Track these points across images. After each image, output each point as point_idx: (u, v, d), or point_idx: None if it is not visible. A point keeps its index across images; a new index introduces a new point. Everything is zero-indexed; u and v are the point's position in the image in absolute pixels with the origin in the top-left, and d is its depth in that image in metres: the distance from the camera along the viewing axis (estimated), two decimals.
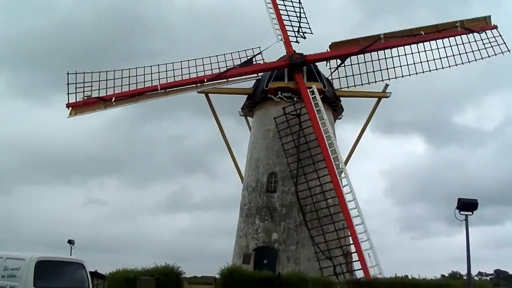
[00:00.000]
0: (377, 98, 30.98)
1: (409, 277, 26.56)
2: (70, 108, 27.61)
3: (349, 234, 25.54)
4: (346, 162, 31.14)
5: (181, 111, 67.33)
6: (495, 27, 30.60)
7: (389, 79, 30.05)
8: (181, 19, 74.35)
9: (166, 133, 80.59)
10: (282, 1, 31.31)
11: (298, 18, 30.74)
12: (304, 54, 29.47)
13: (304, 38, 30.43)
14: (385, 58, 29.76)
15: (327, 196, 26.71)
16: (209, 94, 30.77)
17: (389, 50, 29.81)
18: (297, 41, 30.17)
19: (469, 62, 30.17)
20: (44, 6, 74.51)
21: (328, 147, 26.77)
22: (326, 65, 29.99)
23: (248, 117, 33.08)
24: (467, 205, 18.43)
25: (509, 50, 30.16)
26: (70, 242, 31.24)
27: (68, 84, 27.39)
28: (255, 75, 29.66)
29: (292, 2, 31.45)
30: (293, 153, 27.58)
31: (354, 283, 25.72)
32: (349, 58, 29.61)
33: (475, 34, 30.17)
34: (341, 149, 30.96)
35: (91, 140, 75.53)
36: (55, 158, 73.32)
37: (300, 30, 30.40)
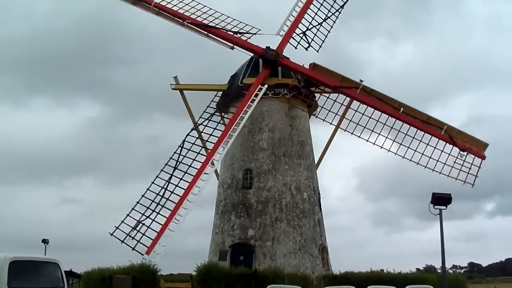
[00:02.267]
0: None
1: (385, 271, 26.89)
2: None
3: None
4: (320, 159, 31.30)
5: (157, 111, 67.90)
6: (483, 157, 26.77)
7: (338, 11, 30.07)
8: (159, 25, 74.20)
9: (142, 133, 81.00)
10: (316, 7, 30.21)
11: (316, 31, 29.57)
12: (280, 54, 28.95)
13: (306, 49, 29.32)
14: (356, 111, 27.91)
15: (303, 191, 26.87)
16: (184, 91, 30.65)
17: (360, 104, 27.72)
18: (295, 47, 29.31)
19: (426, 167, 26.89)
20: (23, 13, 74.93)
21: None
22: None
23: (223, 114, 32.96)
24: (441, 199, 18.69)
25: (472, 185, 26.55)
26: (44, 241, 30.81)
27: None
28: (231, 46, 29.27)
29: (328, 14, 30.22)
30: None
31: (330, 278, 25.98)
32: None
33: (454, 148, 26.61)
34: (315, 147, 31.31)
35: (68, 141, 75.72)
36: (31, 158, 73.41)
37: (309, 41, 29.33)
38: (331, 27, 30.05)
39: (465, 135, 27.05)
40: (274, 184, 28.26)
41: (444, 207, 18.78)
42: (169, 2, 29.60)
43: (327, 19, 30.00)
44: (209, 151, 25.69)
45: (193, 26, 29.39)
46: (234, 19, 29.36)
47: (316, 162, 30.99)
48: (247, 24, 29.28)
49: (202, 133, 26.71)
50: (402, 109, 27.02)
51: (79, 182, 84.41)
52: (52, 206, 77.76)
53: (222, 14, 29.45)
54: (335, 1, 30.18)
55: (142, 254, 23.27)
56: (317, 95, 30.81)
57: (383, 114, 27.18)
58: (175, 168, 25.28)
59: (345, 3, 30.24)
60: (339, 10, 30.17)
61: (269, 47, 29.06)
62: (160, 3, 29.52)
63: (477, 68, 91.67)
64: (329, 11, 29.97)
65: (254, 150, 28.98)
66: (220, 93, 30.29)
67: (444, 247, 18.76)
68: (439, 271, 29.32)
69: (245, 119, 26.51)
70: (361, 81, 27.96)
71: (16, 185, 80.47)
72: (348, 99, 28.33)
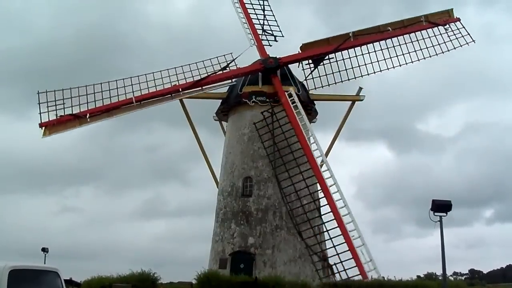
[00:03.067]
0: (350, 102, 31.06)
1: (385, 278, 26.80)
2: (43, 128, 26.22)
3: (340, 233, 25.35)
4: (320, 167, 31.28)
5: (157, 121, 68.35)
6: (458, 19, 31.53)
7: (361, 76, 30.34)
8: (157, 37, 76.70)
9: (142, 143, 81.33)
10: (251, 7, 31.84)
11: (267, 22, 31.36)
12: (277, 57, 29.61)
13: (276, 41, 30.91)
14: (356, 56, 29.99)
15: (307, 199, 26.90)
16: (184, 100, 30.60)
17: (359, 48, 30.05)
18: (269, 44, 30.62)
19: (436, 55, 30.87)
20: (24, 27, 76.70)
21: (310, 147, 27.16)
22: (298, 67, 30.12)
23: (222, 122, 33.03)
24: (441, 206, 18.73)
25: (473, 41, 31.08)
26: (44, 250, 30.85)
27: (39, 103, 26.10)
28: (230, 81, 29.52)
29: (261, 7, 32.00)
30: (276, 156, 27.65)
31: (331, 285, 25.88)
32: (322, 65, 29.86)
33: (439, 27, 30.94)
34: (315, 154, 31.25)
35: (68, 151, 75.77)
36: (32, 168, 73.92)
37: (272, 33, 30.99)
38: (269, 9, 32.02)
39: (433, 14, 31.45)
40: (274, 192, 28.21)
41: (445, 214, 18.82)
42: (144, 88, 27.87)
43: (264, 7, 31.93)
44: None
45: (186, 91, 28.44)
46: (202, 61, 29.22)
47: (326, 166, 30.91)
48: (217, 56, 29.38)
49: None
50: (390, 28, 30.23)
51: (79, 191, 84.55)
52: (52, 215, 78.10)
53: (195, 63, 29.07)
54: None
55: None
56: (316, 102, 31.04)
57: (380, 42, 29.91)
58: None
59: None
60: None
61: (269, 56, 29.49)
62: (139, 96, 27.60)
63: (473, 76, 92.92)
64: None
65: (254, 157, 28.96)
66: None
67: (445, 254, 18.75)
68: (440, 278, 29.26)
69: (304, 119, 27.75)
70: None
71: (16, 194, 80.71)
72: (349, 103, 30.43)
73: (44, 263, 24.26)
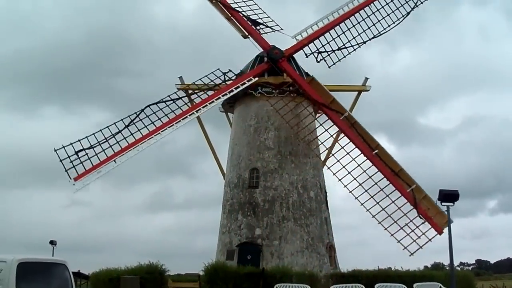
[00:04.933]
0: (357, 92, 30.98)
1: (392, 269, 26.83)
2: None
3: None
4: (326, 159, 31.21)
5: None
6: (440, 232, 25.31)
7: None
8: (164, 37, 78.18)
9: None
10: (342, 30, 30.16)
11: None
12: (285, 55, 28.90)
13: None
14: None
15: (310, 190, 26.91)
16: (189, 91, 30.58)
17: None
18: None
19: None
20: (33, 29, 77.75)
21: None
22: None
23: (228, 114, 33.03)
24: (448, 196, 18.60)
25: (411, 254, 25.29)
26: (52, 243, 30.86)
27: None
28: (246, 34, 29.62)
29: (348, 39, 30.17)
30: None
31: (338, 276, 25.95)
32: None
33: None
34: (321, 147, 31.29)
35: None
36: (42, 164, 74.68)
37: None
38: (348, 53, 29.81)
39: (431, 203, 25.44)
40: (281, 183, 28.24)
41: (452, 204, 18.71)
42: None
43: (344, 48, 29.66)
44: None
45: (220, 5, 29.73)
46: (264, 12, 30.02)
47: (322, 161, 30.92)
48: (272, 20, 29.81)
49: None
50: (377, 151, 26.81)
51: (87, 186, 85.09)
52: (61, 209, 78.94)
53: (255, 4, 30.07)
54: (359, 34, 29.78)
55: (70, 179, 23.87)
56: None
57: (359, 153, 26.80)
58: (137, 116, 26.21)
59: (368, 39, 30.04)
60: (360, 44, 29.88)
61: (274, 46, 29.15)
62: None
63: (471, 71, 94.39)
64: (349, 41, 29.65)
65: (260, 149, 28.96)
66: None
67: (452, 243, 18.67)
68: (447, 268, 29.23)
69: (215, 102, 27.21)
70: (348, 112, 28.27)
71: (26, 190, 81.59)
72: (353, 94, 29.99)
73: (52, 256, 24.37)
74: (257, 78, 28.25)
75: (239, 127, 30.33)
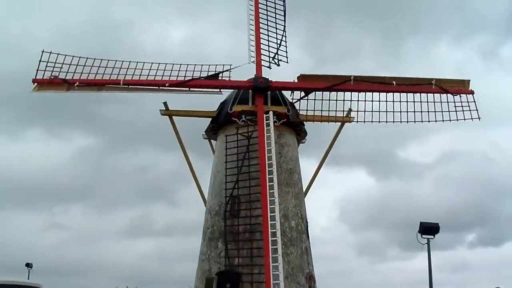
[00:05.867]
0: (340, 123, 31.22)
1: None
2: (35, 84, 28.97)
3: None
4: (307, 190, 31.37)
5: (147, 142, 69.59)
6: (472, 92, 30.35)
7: (354, 119, 30.49)
8: (153, 66, 78.73)
9: (132, 163, 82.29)
10: (265, 24, 31.47)
11: (278, 44, 30.97)
12: (269, 79, 29.59)
13: (278, 65, 30.67)
14: (351, 100, 30.00)
15: (291, 220, 26.83)
16: (174, 118, 30.79)
17: (357, 93, 29.84)
18: (269, 67, 30.48)
19: (435, 121, 30.49)
20: (20, 51, 78.10)
21: (267, 168, 26.80)
22: (291, 95, 30.36)
23: (212, 141, 33.05)
24: (429, 229, 18.80)
25: (479, 118, 30.01)
26: (28, 265, 30.46)
27: (40, 61, 28.87)
28: (218, 90, 29.90)
29: (276, 26, 31.59)
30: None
31: None
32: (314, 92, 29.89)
33: (449, 95, 30.10)
34: (304, 175, 31.46)
35: (59, 169, 76.48)
36: (22, 186, 74.72)
37: (276, 57, 30.68)
38: (284, 35, 31.38)
39: (449, 80, 30.29)
40: (257, 212, 28.12)
41: (432, 237, 18.87)
42: (136, 74, 29.54)
43: (279, 32, 31.28)
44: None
45: (173, 88, 29.53)
46: (203, 65, 29.99)
47: (304, 191, 30.97)
48: (217, 65, 29.86)
49: None
50: (394, 82, 29.46)
51: (68, 209, 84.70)
52: (40, 231, 77.82)
53: (186, 65, 29.92)
54: (276, 13, 31.32)
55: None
56: (305, 123, 31.20)
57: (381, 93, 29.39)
58: None
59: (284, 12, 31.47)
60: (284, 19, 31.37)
61: (256, 75, 29.51)
62: (127, 80, 29.34)
63: (451, 108, 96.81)
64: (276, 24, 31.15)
65: (242, 177, 28.89)
66: None
67: (432, 277, 18.76)
68: None
69: (272, 145, 27.28)
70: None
71: (5, 211, 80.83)
72: (338, 124, 30.58)
73: (28, 279, 24.00)
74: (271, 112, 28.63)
75: (222, 155, 30.27)
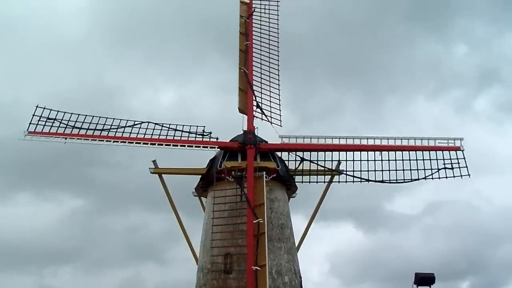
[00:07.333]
0: (330, 176, 31.37)
1: None
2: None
3: None
4: (299, 245, 31.26)
5: (137, 203, 69.71)
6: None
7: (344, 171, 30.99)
8: (141, 131, 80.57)
9: (122, 224, 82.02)
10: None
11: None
12: (258, 138, 29.99)
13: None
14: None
15: (285, 275, 26.62)
16: (163, 176, 30.84)
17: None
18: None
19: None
20: (11, 118, 79.37)
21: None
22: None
23: (202, 198, 32.97)
24: (424, 279, 18.72)
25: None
26: None
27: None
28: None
29: (270, 91, 31.89)
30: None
31: None
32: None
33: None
34: (295, 229, 31.41)
35: (49, 231, 76.13)
36: (11, 248, 74.12)
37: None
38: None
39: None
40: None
41: (428, 287, 18.76)
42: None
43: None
44: None
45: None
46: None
47: (296, 245, 30.80)
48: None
49: None
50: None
51: (57, 271, 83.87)
52: None
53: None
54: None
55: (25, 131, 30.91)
56: (295, 177, 31.33)
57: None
58: None
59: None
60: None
61: (245, 131, 29.79)
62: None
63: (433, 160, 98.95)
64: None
65: (234, 234, 28.69)
66: None
67: None
68: None
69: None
70: None
71: None
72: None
73: None
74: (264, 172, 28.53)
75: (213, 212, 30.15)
